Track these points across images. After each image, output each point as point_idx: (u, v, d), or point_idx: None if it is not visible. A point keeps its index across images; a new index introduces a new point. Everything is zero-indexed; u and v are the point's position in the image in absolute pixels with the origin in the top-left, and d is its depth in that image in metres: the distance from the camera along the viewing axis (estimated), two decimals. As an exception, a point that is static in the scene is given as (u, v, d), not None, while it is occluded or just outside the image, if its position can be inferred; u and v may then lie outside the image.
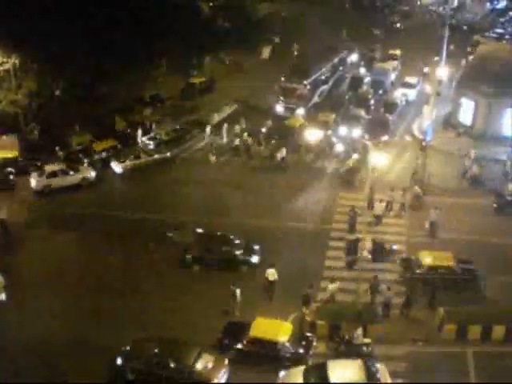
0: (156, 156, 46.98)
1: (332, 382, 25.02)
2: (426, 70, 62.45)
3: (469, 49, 67.08)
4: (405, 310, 30.71)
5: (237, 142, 48.43)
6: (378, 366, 26.18)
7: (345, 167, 43.56)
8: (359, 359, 26.12)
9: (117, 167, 45.75)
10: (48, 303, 31.33)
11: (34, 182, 42.78)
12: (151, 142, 48.78)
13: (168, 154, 47.39)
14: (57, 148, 46.96)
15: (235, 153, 47.89)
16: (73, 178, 43.37)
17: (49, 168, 43.24)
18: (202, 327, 29.39)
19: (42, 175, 42.82)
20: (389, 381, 25.75)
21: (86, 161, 46.06)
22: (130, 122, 51.81)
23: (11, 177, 43.44)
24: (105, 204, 41.53)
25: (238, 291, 30.48)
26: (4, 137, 47.17)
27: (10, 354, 28.03)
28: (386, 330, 29.33)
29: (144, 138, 49.41)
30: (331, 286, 31.25)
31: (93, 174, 44.30)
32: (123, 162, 45.94)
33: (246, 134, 48.98)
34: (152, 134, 50.18)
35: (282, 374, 26.53)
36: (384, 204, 38.67)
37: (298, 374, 26.12)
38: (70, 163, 44.59)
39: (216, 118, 53.95)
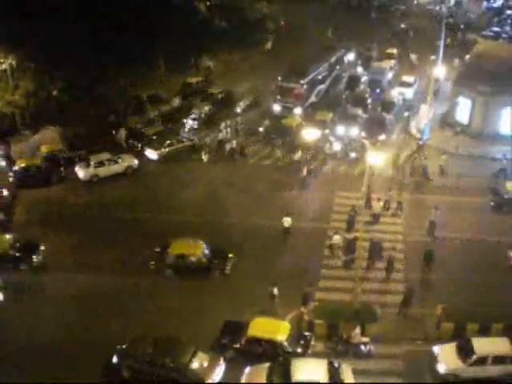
0: (187, 142, 48.81)
1: (293, 380, 25.28)
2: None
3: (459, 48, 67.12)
4: (403, 308, 30.75)
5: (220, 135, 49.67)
6: (343, 366, 26.43)
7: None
8: (325, 359, 26.44)
9: (152, 154, 47.06)
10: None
11: (81, 172, 44.08)
12: (195, 122, 52.52)
13: (196, 140, 49.36)
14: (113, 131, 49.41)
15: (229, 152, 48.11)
16: (118, 166, 44.91)
17: (95, 158, 44.52)
18: (199, 326, 29.47)
19: (89, 165, 44.07)
20: (352, 381, 26.01)
21: (138, 145, 48.33)
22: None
23: (61, 169, 44.67)
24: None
25: (275, 290, 30.62)
26: (45, 130, 48.04)
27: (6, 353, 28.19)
28: (383, 329, 29.39)
29: (189, 120, 52.84)
30: (335, 238, 34.35)
31: (136, 161, 45.70)
32: (158, 148, 47.23)
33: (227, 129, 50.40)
34: (194, 116, 53.37)
35: (247, 369, 26.65)
36: (382, 203, 38.86)
37: (262, 370, 26.30)
38: (114, 152, 46.13)
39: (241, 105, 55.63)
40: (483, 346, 27.27)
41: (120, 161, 45.09)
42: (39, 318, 30.51)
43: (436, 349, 27.90)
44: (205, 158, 47.24)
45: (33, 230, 38.07)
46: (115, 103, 55.07)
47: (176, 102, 57.64)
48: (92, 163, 44.03)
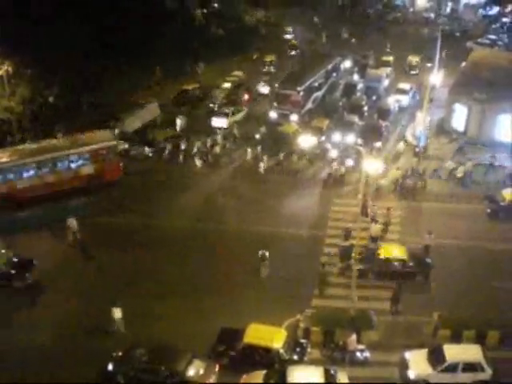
0: None
1: None
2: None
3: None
4: (394, 306, 30.80)
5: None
6: (340, 373, 26.37)
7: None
8: (321, 366, 26.36)
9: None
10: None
11: (222, 122, 53.39)
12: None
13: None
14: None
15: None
16: (241, 114, 55.90)
17: (230, 110, 54.39)
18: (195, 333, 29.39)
19: (227, 115, 53.73)
20: None
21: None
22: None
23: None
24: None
25: (267, 253, 33.49)
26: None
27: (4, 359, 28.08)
28: (380, 336, 29.34)
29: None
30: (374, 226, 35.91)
31: None
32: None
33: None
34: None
35: (243, 377, 26.59)
36: (379, 226, 37.76)
37: (258, 377, 26.26)
38: None
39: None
40: (454, 352, 27.12)
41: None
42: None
43: (407, 355, 27.78)
44: (198, 163, 47.12)
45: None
46: (112, 109, 55.15)
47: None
48: (230, 113, 53.71)
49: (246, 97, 59.76)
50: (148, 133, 51.51)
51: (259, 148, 48.00)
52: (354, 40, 79.95)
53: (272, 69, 68.71)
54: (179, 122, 53.02)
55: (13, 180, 40.39)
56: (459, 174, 43.75)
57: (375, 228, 37.11)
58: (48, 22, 58.15)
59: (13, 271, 33.16)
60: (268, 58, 70.11)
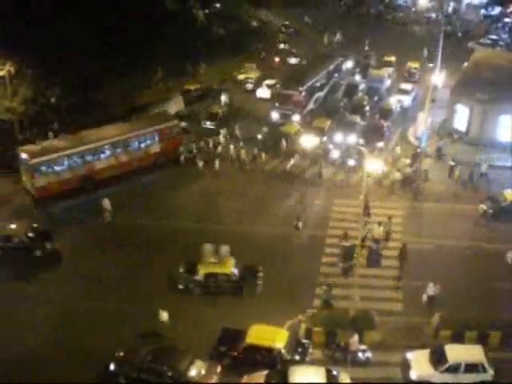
0: None
1: None
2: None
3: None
4: (401, 261, 33.67)
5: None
6: (341, 373, 26.44)
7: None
8: (323, 367, 26.39)
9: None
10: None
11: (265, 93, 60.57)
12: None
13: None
14: None
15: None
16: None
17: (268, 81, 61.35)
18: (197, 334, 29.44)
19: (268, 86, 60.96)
20: None
21: None
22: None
23: None
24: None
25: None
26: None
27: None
28: (381, 337, 29.35)
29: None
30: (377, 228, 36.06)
31: None
32: None
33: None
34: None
35: (244, 377, 26.63)
36: (382, 228, 37.52)
37: (260, 378, 26.31)
38: None
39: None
40: (456, 353, 27.17)
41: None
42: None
43: (409, 355, 27.83)
44: (200, 164, 47.20)
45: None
46: (113, 109, 55.21)
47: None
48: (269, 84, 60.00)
49: (277, 59, 69.80)
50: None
51: (255, 149, 48.25)
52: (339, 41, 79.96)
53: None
54: (223, 98, 58.00)
55: (91, 162, 43.56)
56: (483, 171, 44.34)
57: (378, 230, 37.07)
58: (48, 22, 58.16)
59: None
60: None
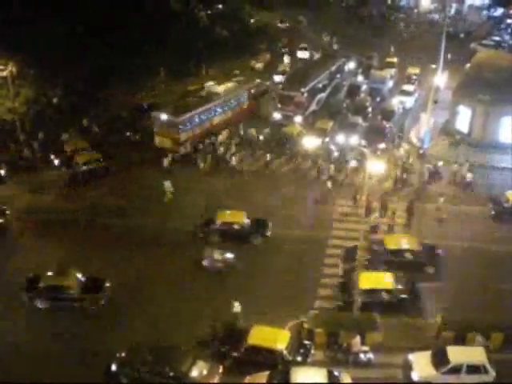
0: None
1: None
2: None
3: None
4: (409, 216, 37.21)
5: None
6: (343, 374, 26.45)
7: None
8: (325, 368, 26.39)
9: None
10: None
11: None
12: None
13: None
14: None
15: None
16: None
17: None
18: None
19: None
20: None
21: None
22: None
23: None
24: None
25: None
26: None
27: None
28: (383, 338, 29.30)
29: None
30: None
31: None
32: None
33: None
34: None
35: (246, 378, 26.61)
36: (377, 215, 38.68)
37: (261, 379, 26.29)
38: None
39: None
40: (458, 354, 27.12)
41: None
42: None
43: (411, 356, 27.79)
44: (201, 165, 47.13)
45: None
46: (116, 110, 55.35)
47: None
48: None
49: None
50: None
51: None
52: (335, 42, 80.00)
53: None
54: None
55: (211, 118, 51.66)
56: None
57: (373, 218, 37.62)
58: (51, 22, 58.27)
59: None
60: None
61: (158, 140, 49.18)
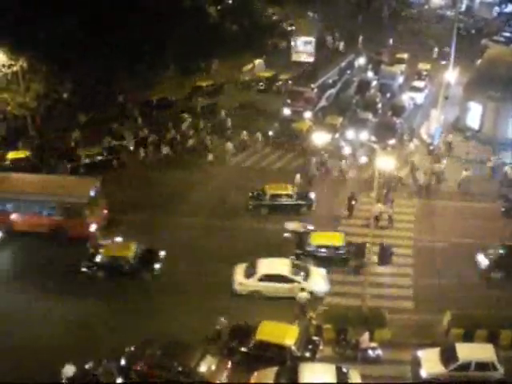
0: None
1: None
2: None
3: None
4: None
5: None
6: (351, 371, 26.38)
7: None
8: (333, 364, 26.39)
9: None
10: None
11: None
12: None
13: None
14: None
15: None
16: None
17: None
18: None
19: None
20: None
21: None
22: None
23: None
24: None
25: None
26: None
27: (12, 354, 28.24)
28: (392, 334, 29.29)
29: None
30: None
31: None
32: None
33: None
34: None
35: (254, 374, 26.60)
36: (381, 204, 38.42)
37: (269, 374, 26.25)
38: None
39: None
40: (467, 351, 27.04)
41: None
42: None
43: (420, 353, 27.73)
44: (210, 157, 47.17)
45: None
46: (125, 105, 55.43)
47: None
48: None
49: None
50: None
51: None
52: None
53: None
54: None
55: None
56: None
57: (376, 207, 36.92)
58: (62, 17, 58.21)
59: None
60: None
61: None
